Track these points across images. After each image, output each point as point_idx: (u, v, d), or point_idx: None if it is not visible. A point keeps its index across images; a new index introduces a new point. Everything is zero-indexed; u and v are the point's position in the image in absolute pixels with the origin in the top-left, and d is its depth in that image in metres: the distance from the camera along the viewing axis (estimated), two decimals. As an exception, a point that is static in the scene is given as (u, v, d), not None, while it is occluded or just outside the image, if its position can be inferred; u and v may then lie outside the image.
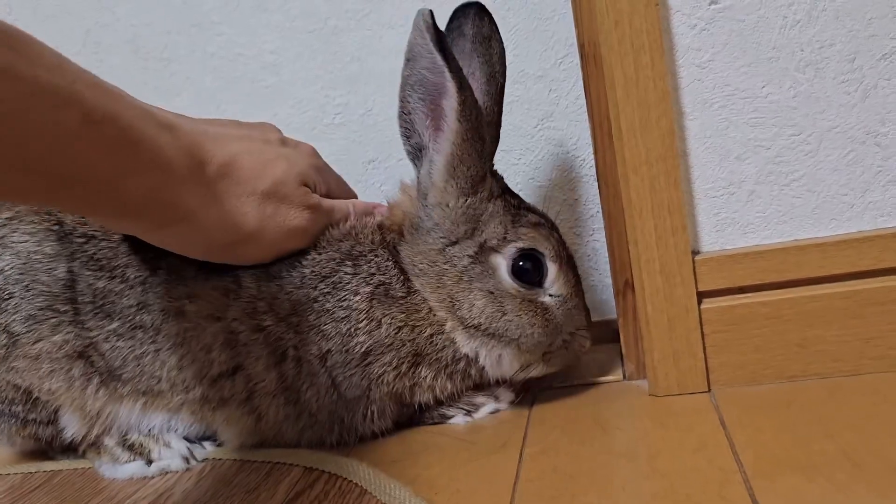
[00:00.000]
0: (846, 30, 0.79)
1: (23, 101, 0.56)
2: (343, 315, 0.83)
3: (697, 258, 0.84)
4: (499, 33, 0.88)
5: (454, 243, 0.85)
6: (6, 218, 0.88)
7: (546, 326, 0.85)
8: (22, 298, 0.85)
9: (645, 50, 0.80)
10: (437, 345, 0.86)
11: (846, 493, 0.61)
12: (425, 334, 0.85)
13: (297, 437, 0.88)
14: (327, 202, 0.88)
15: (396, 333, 0.84)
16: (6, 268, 0.86)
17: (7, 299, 0.86)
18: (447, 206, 0.84)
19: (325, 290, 0.84)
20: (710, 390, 0.85)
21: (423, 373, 0.87)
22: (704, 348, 0.84)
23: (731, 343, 0.84)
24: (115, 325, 0.86)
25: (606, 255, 0.95)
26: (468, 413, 0.91)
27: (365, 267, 0.85)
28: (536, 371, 0.89)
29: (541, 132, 1.08)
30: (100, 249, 0.86)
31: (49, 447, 0.98)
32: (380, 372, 0.85)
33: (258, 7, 1.13)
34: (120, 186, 0.67)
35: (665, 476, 0.68)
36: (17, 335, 0.86)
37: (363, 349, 0.84)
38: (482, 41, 0.88)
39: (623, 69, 0.81)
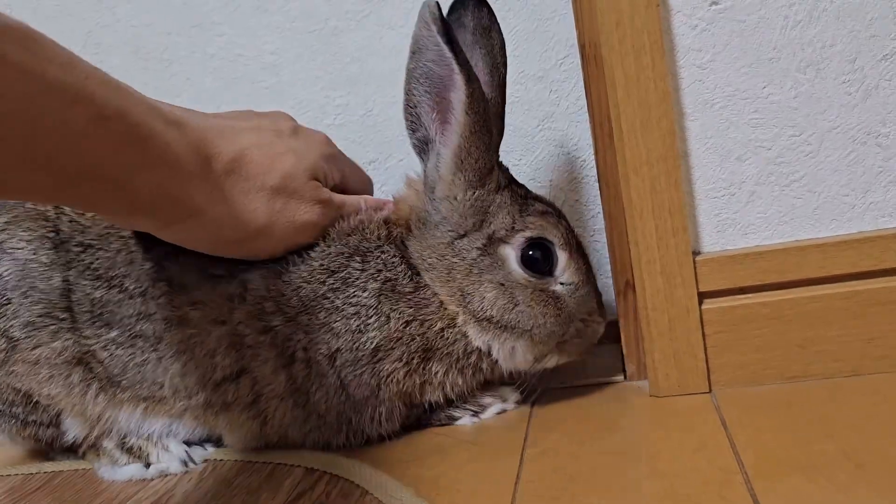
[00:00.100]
0: (847, 30, 0.79)
1: (34, 98, 0.56)
2: (353, 312, 0.83)
3: (698, 259, 0.84)
4: (498, 23, 0.88)
5: (462, 236, 0.84)
6: (4, 222, 0.88)
7: (559, 315, 0.84)
8: (20, 305, 0.85)
9: (646, 50, 0.80)
10: (448, 339, 0.85)
11: (847, 493, 0.61)
12: (435, 328, 0.85)
13: (302, 439, 0.88)
14: (338, 197, 0.87)
15: (405, 328, 0.84)
16: (4, 273, 0.86)
17: (5, 304, 0.86)
18: (455, 199, 0.84)
19: (334, 286, 0.83)
20: (710, 391, 0.85)
21: (434, 368, 0.86)
22: (705, 349, 0.84)
23: (731, 343, 0.84)
24: (113, 333, 0.85)
25: (607, 255, 0.95)
26: (475, 414, 0.91)
27: (372, 263, 0.84)
28: (552, 361, 0.88)
29: (541, 133, 1.08)
30: (97, 259, 0.86)
31: (49, 448, 0.98)
32: (390, 369, 0.84)
33: (258, 8, 1.13)
34: (128, 183, 0.66)
35: (666, 477, 0.68)
36: (16, 340, 0.86)
37: (373, 345, 0.83)
38: (483, 32, 0.87)
39: (624, 70, 0.81)
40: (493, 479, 0.74)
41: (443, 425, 0.91)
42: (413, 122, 0.83)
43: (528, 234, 0.84)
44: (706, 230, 0.86)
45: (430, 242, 0.85)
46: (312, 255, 0.84)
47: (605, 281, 1.09)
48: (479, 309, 0.84)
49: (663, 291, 0.84)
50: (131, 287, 0.85)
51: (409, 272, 0.85)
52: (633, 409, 0.86)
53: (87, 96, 0.60)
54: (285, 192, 0.80)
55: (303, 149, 0.85)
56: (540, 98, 1.07)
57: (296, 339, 0.83)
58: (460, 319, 0.85)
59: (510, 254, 0.84)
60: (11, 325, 0.86)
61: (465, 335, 0.85)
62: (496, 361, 0.87)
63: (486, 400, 0.92)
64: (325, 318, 0.83)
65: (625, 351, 0.94)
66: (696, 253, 0.85)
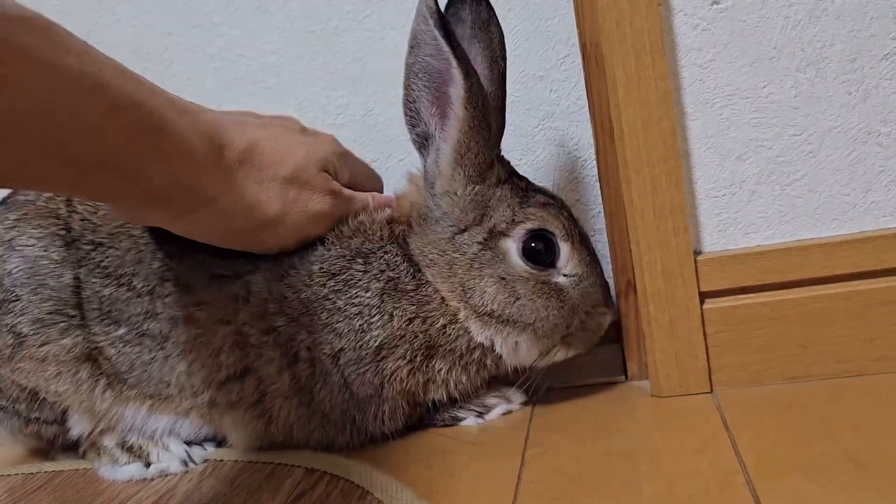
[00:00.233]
0: (847, 29, 0.79)
1: (52, 88, 0.56)
2: (355, 312, 0.83)
3: (699, 258, 0.84)
4: (496, 17, 0.87)
5: (463, 231, 0.84)
6: (14, 220, 0.88)
7: (562, 308, 0.84)
8: (29, 301, 0.86)
9: (646, 50, 0.80)
10: (450, 335, 0.85)
11: (849, 494, 0.61)
12: (437, 325, 0.84)
13: (306, 438, 0.88)
14: (348, 191, 0.88)
15: (408, 325, 0.83)
16: (14, 270, 0.86)
17: (14, 301, 0.86)
18: (455, 194, 0.84)
19: (336, 288, 0.83)
20: (712, 391, 0.85)
21: (437, 365, 0.86)
22: (706, 349, 0.84)
23: (733, 344, 0.84)
24: (121, 331, 0.86)
25: (608, 255, 0.95)
26: (480, 415, 0.91)
27: (375, 264, 0.84)
28: (558, 356, 0.87)
29: (542, 132, 1.08)
30: (107, 257, 0.86)
31: (51, 446, 0.98)
32: (393, 368, 0.84)
33: (259, 8, 1.13)
34: (142, 173, 0.67)
35: (667, 477, 0.68)
36: (24, 337, 0.86)
37: (377, 343, 0.83)
38: (481, 26, 0.87)
39: (624, 69, 0.81)
40: (494, 479, 0.74)
41: (447, 426, 0.91)
42: (413, 117, 0.83)
43: (528, 225, 0.83)
44: (707, 230, 0.86)
45: (430, 238, 0.85)
46: (312, 258, 0.84)
47: (607, 281, 1.09)
48: (480, 304, 0.83)
49: (664, 291, 0.84)
50: (139, 286, 0.85)
51: (412, 270, 0.85)
52: (635, 409, 0.86)
53: (103, 86, 0.60)
54: (297, 183, 0.80)
55: (313, 143, 0.86)
56: (540, 97, 1.07)
57: (299, 339, 0.83)
58: (462, 315, 0.85)
59: (511, 247, 0.83)
60: (19, 322, 0.86)
61: (467, 331, 0.85)
62: (500, 357, 0.87)
63: (491, 401, 0.92)
64: (328, 318, 0.83)
65: (626, 351, 0.94)
66: (697, 253, 0.85)
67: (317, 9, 1.11)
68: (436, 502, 0.71)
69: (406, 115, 0.83)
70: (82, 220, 0.88)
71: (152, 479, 0.90)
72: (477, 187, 0.84)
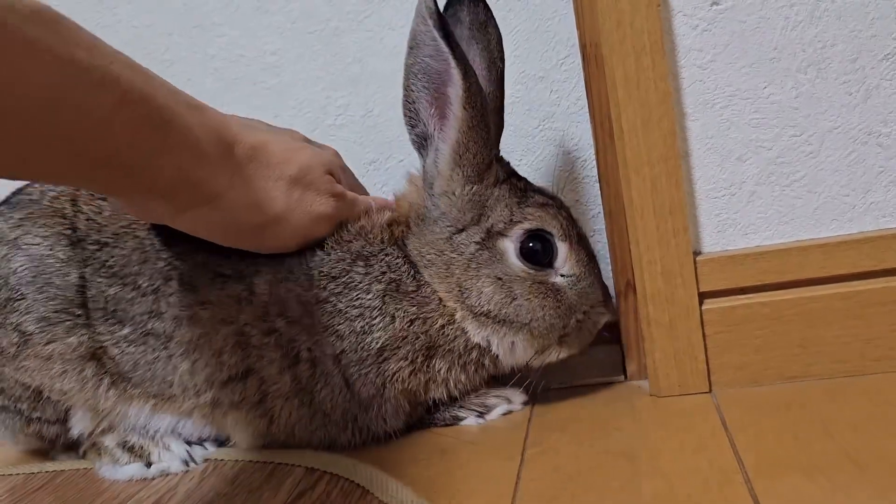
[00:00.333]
0: (848, 30, 0.79)
1: (62, 81, 0.56)
2: (357, 314, 0.83)
3: (699, 259, 0.84)
4: (494, 18, 0.88)
5: (461, 231, 0.84)
6: (19, 219, 0.89)
7: (558, 308, 0.84)
8: (34, 300, 0.86)
9: (646, 51, 0.80)
10: (448, 335, 0.85)
11: (847, 493, 0.61)
12: (436, 325, 0.85)
13: (308, 437, 0.88)
14: (351, 194, 0.88)
15: (409, 326, 0.84)
16: (19, 269, 0.86)
17: (19, 300, 0.86)
18: (453, 194, 0.84)
19: (336, 291, 0.84)
20: (711, 391, 0.85)
21: (437, 365, 0.86)
22: (706, 349, 0.85)
23: (732, 344, 0.84)
24: (126, 330, 0.86)
25: (608, 255, 0.95)
26: (480, 415, 0.91)
27: (376, 266, 0.85)
28: (553, 356, 0.88)
29: (542, 133, 1.08)
30: (112, 257, 0.86)
31: (51, 446, 0.98)
32: (395, 368, 0.84)
33: (259, 8, 1.13)
34: (152, 166, 0.67)
35: (666, 476, 0.69)
36: (29, 335, 0.86)
37: (378, 345, 0.83)
38: (479, 27, 0.87)
39: (624, 70, 0.81)
40: (493, 478, 0.74)
41: (448, 425, 0.91)
42: (412, 117, 0.83)
43: (526, 225, 0.84)
44: (707, 230, 0.86)
45: (428, 238, 0.85)
46: (312, 262, 0.85)
47: (606, 281, 1.09)
48: (476, 304, 0.84)
49: (664, 291, 0.84)
50: (144, 285, 0.85)
51: (412, 271, 0.85)
52: (634, 409, 0.86)
53: (113, 79, 0.60)
54: (302, 183, 0.81)
55: (318, 150, 0.87)
56: (541, 98, 1.07)
57: (300, 341, 0.84)
58: (458, 315, 0.85)
59: (509, 247, 0.84)
60: (25, 320, 0.86)
61: (464, 331, 0.85)
62: (497, 357, 0.87)
63: (492, 401, 0.92)
64: (329, 321, 0.83)
65: (625, 351, 0.94)
66: (696, 253, 0.85)
67: (317, 9, 1.12)
68: (436, 501, 0.71)
69: (405, 115, 0.83)
70: (87, 219, 0.88)
71: (153, 479, 0.90)
72: (475, 187, 0.84)
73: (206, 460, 0.92)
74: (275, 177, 0.79)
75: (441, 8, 0.84)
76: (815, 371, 0.83)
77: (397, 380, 0.85)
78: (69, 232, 0.88)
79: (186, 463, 0.91)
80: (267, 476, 0.84)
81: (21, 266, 0.86)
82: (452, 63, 0.77)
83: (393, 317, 0.83)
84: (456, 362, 0.86)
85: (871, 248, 0.80)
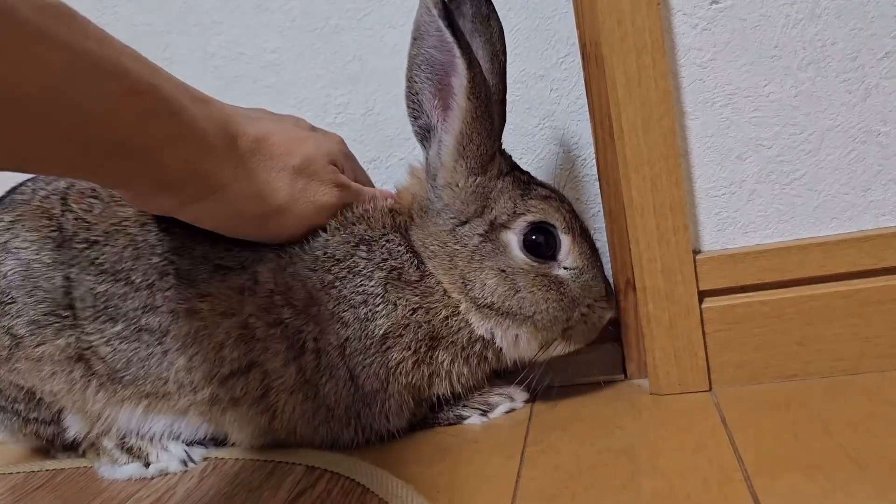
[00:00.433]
0: (848, 28, 0.79)
1: (74, 72, 0.57)
2: (360, 300, 0.83)
3: (699, 257, 0.84)
4: (496, 11, 0.87)
5: (464, 223, 0.84)
6: (9, 221, 0.89)
7: (561, 300, 0.84)
8: (24, 304, 0.86)
9: (646, 49, 0.80)
10: (452, 327, 0.85)
11: (847, 491, 0.61)
12: (440, 316, 0.85)
13: (311, 434, 0.88)
14: (355, 185, 0.89)
15: (412, 315, 0.84)
16: (9, 273, 0.86)
17: (10, 303, 0.86)
18: (457, 186, 0.84)
19: (341, 275, 0.84)
20: (711, 389, 0.85)
21: (440, 357, 0.86)
22: (705, 347, 0.85)
23: (732, 342, 0.84)
24: (118, 328, 0.86)
25: (608, 254, 0.95)
26: (484, 413, 0.91)
27: (378, 252, 0.85)
28: (558, 349, 0.87)
29: (542, 132, 1.08)
30: (102, 255, 0.86)
31: (50, 445, 0.98)
32: (399, 359, 0.84)
33: (259, 6, 1.13)
34: (157, 158, 0.68)
35: (666, 475, 0.69)
36: (20, 338, 0.86)
37: (381, 331, 0.83)
38: (482, 20, 0.87)
39: (625, 69, 0.81)
40: (493, 476, 0.75)
41: (451, 424, 0.91)
42: (415, 109, 0.83)
43: (529, 218, 0.84)
44: (706, 229, 0.86)
45: (432, 230, 0.85)
46: (315, 245, 0.85)
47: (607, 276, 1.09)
48: (480, 296, 0.84)
49: (664, 290, 0.84)
50: (138, 280, 0.85)
51: (415, 260, 0.85)
52: (634, 407, 0.86)
53: (122, 71, 0.61)
54: (306, 173, 0.82)
55: (322, 139, 0.87)
56: (540, 97, 1.07)
57: (306, 331, 0.84)
58: (463, 307, 0.85)
59: (512, 239, 0.84)
60: (15, 324, 0.86)
61: (468, 323, 0.85)
62: (500, 350, 0.87)
63: (494, 399, 0.92)
64: (334, 307, 0.83)
65: (625, 349, 0.94)
66: (696, 251, 0.85)
67: (317, 7, 1.11)
68: (436, 500, 0.72)
69: (409, 107, 0.83)
70: (76, 218, 0.88)
71: (152, 479, 0.90)
72: (478, 179, 0.84)
73: (205, 459, 0.92)
74: (278, 168, 0.79)
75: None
76: (814, 369, 0.83)
77: (401, 372, 0.84)
78: (55, 234, 0.87)
79: (185, 463, 0.91)
80: (267, 475, 0.84)
81: (10, 270, 0.86)
82: (457, 53, 0.77)
83: (395, 304, 0.83)
84: (459, 354, 0.86)
85: (871, 247, 0.80)
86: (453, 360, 0.86)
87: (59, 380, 0.88)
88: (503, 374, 0.93)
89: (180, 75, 1.17)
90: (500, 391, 0.93)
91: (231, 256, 0.85)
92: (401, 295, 0.84)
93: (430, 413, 0.91)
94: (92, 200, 0.89)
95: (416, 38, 0.80)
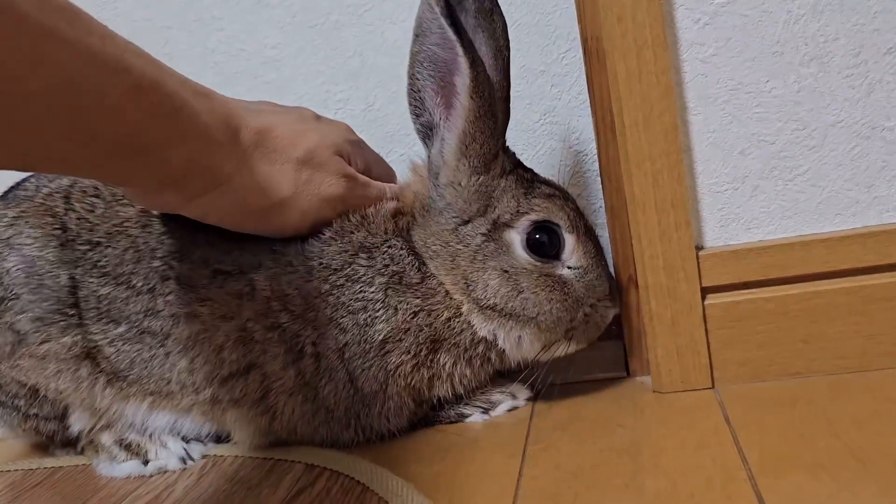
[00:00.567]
0: (851, 24, 0.79)
1: (78, 69, 0.56)
2: (360, 307, 0.83)
3: (701, 254, 0.83)
4: (499, 6, 0.86)
5: (467, 222, 0.84)
6: (12, 217, 0.88)
7: (565, 301, 0.83)
8: (29, 300, 0.86)
9: (648, 45, 0.79)
10: (454, 329, 0.84)
11: (852, 490, 0.61)
12: (442, 318, 0.84)
13: (311, 434, 0.87)
14: (363, 177, 0.88)
15: (413, 318, 0.83)
16: (12, 269, 0.86)
17: (13, 299, 0.86)
18: (459, 184, 0.83)
19: (338, 283, 0.83)
20: (714, 387, 0.85)
21: (442, 359, 0.85)
22: (708, 344, 0.84)
23: (735, 339, 0.84)
24: (121, 329, 0.86)
25: (610, 250, 0.94)
26: (485, 411, 0.90)
27: (379, 258, 0.84)
28: (561, 350, 0.87)
29: (543, 127, 1.08)
30: (104, 257, 0.86)
31: (50, 441, 0.98)
32: (397, 362, 0.83)
33: (259, 2, 1.13)
34: (163, 154, 0.67)
35: (669, 473, 0.68)
36: (24, 334, 0.86)
37: (381, 337, 0.83)
38: (485, 15, 0.86)
39: (626, 64, 0.80)
40: (495, 475, 0.74)
41: (452, 423, 0.90)
42: (417, 106, 0.83)
43: (533, 217, 0.83)
44: (709, 225, 0.85)
45: (434, 229, 0.85)
46: (310, 254, 0.84)
47: (612, 274, 1.08)
48: (482, 297, 0.83)
49: (666, 287, 0.84)
50: (139, 284, 0.85)
51: (417, 262, 0.85)
52: (636, 405, 0.86)
53: (126, 67, 0.61)
54: (311, 165, 0.81)
55: (326, 130, 0.86)
56: (542, 92, 1.07)
57: (304, 335, 0.83)
58: (465, 308, 0.84)
59: (515, 238, 0.83)
60: (19, 320, 0.86)
61: (470, 325, 0.84)
62: (504, 352, 0.86)
63: (496, 397, 0.91)
64: (332, 314, 0.83)
65: (627, 347, 0.94)
66: (699, 248, 0.85)
67: (317, 3, 1.11)
68: (437, 499, 0.71)
69: (410, 104, 0.83)
70: (79, 218, 0.88)
71: (151, 476, 0.89)
72: (481, 178, 0.83)
73: (204, 457, 0.92)
74: (281, 160, 0.79)
75: None
76: (818, 367, 0.83)
77: (400, 375, 0.84)
78: (59, 232, 0.87)
79: (184, 460, 0.91)
80: (266, 473, 0.84)
81: (14, 266, 0.86)
82: (460, 51, 0.76)
83: (396, 309, 0.83)
84: (461, 356, 0.86)
85: (875, 243, 0.80)
86: (455, 363, 0.86)
87: (64, 378, 0.87)
88: (507, 374, 0.93)
89: (180, 71, 1.17)
90: (502, 389, 0.92)
91: (229, 261, 0.84)
92: (402, 298, 0.83)
93: (430, 412, 0.90)
94: (94, 200, 0.89)
95: (418, 35, 0.79)
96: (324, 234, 0.85)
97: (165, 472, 0.90)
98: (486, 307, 0.83)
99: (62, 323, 0.86)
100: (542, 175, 0.90)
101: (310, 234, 0.85)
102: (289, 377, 0.84)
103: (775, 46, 0.80)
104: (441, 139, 0.83)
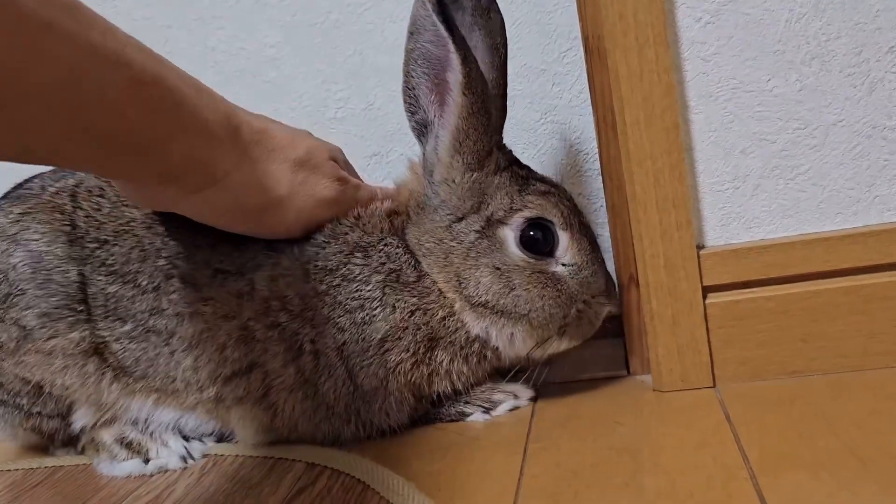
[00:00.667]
0: (852, 22, 0.78)
1: (80, 63, 0.57)
2: (356, 305, 0.83)
3: (702, 253, 0.83)
4: (496, 4, 0.87)
5: (461, 219, 0.84)
6: (19, 213, 0.89)
7: (558, 298, 0.83)
8: (35, 296, 0.86)
9: (649, 43, 0.79)
10: (449, 327, 0.84)
11: (852, 489, 0.61)
12: (438, 317, 0.84)
13: (312, 431, 0.87)
14: (355, 180, 0.89)
15: (410, 317, 0.83)
16: (19, 265, 0.86)
17: (19, 295, 0.86)
18: (453, 181, 0.84)
19: (334, 284, 0.83)
20: (714, 385, 0.85)
21: (439, 356, 0.85)
22: (709, 343, 0.84)
23: (735, 338, 0.84)
24: (127, 327, 0.86)
25: (611, 249, 0.94)
26: (487, 410, 0.90)
27: (375, 257, 0.84)
28: (554, 347, 0.87)
29: (544, 126, 1.08)
30: (111, 255, 0.86)
31: (50, 441, 0.98)
32: (397, 360, 0.83)
33: (259, 1, 1.13)
34: (163, 148, 0.68)
35: (669, 472, 0.68)
36: (30, 330, 0.86)
37: (380, 335, 0.83)
38: (481, 13, 0.86)
39: (627, 63, 0.80)
40: (495, 474, 0.74)
41: (454, 421, 0.90)
42: (412, 104, 0.83)
43: (526, 213, 0.83)
44: (710, 224, 0.85)
45: (428, 227, 0.85)
46: (305, 257, 0.84)
47: (608, 270, 1.08)
48: (473, 294, 0.83)
49: (667, 285, 0.84)
50: (144, 283, 0.85)
51: (413, 261, 0.85)
52: (637, 403, 0.86)
53: (127, 62, 0.61)
54: (307, 167, 0.82)
55: (320, 140, 0.88)
56: (543, 91, 1.07)
57: (303, 333, 0.83)
58: (457, 306, 0.84)
59: (509, 235, 0.83)
60: (25, 315, 0.86)
61: (464, 323, 0.85)
62: (498, 349, 0.86)
63: (498, 396, 0.91)
64: (329, 313, 0.83)
65: (628, 345, 0.94)
66: (700, 247, 0.85)
67: (317, 2, 1.11)
68: (438, 497, 0.71)
69: (405, 102, 0.83)
70: (87, 216, 0.88)
71: (151, 475, 0.89)
72: (475, 175, 0.83)
73: (205, 456, 0.92)
74: (279, 159, 0.79)
75: None
76: (818, 366, 0.83)
77: (400, 372, 0.84)
78: (68, 228, 0.87)
79: (184, 459, 0.91)
80: (267, 471, 0.84)
81: (21, 262, 0.86)
82: (452, 48, 0.77)
83: (394, 307, 0.83)
84: (458, 354, 0.86)
85: (876, 242, 0.80)
86: (452, 360, 0.86)
87: (71, 373, 0.88)
88: (507, 372, 0.93)
89: (180, 70, 1.17)
90: (504, 388, 0.92)
91: (230, 261, 0.85)
92: (399, 297, 0.83)
93: (431, 408, 0.90)
94: (100, 199, 0.89)
95: (413, 33, 0.79)
96: (318, 238, 0.85)
97: (166, 471, 0.90)
98: (478, 304, 0.83)
99: (70, 318, 0.86)
100: (539, 173, 0.90)
101: (303, 238, 0.85)
102: (289, 375, 0.84)
103: (777, 45, 0.80)
104: (435, 136, 0.83)
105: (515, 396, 0.91)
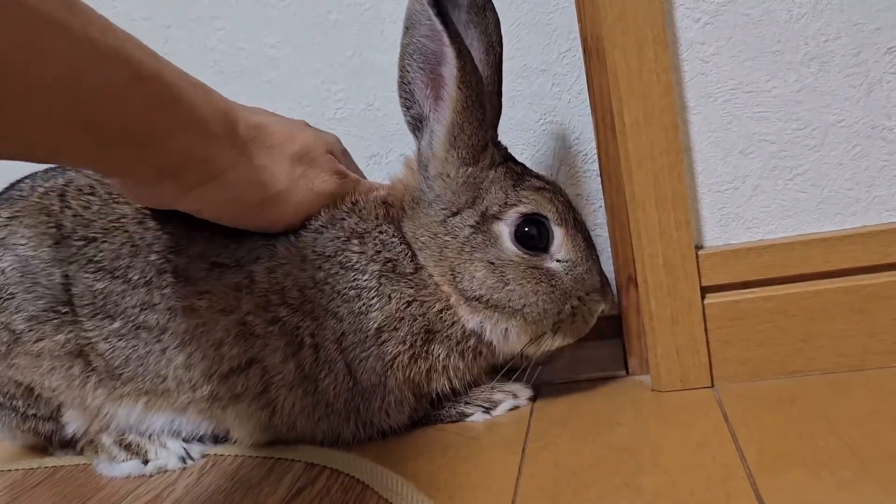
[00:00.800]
0: (851, 23, 0.79)
1: (78, 58, 0.57)
2: (354, 295, 0.83)
3: (701, 253, 0.83)
4: (492, 2, 0.87)
5: (455, 214, 0.84)
6: (6, 218, 0.88)
7: (552, 293, 0.83)
8: (24, 300, 0.86)
9: (648, 44, 0.79)
10: (446, 321, 0.84)
11: (851, 489, 0.61)
12: (434, 310, 0.84)
13: (312, 429, 0.87)
14: (353, 174, 0.89)
15: (406, 308, 0.83)
16: (7, 269, 0.86)
17: (9, 299, 0.86)
18: (448, 176, 0.84)
19: (333, 271, 0.83)
20: (713, 386, 0.85)
21: (436, 350, 0.85)
22: (708, 343, 0.84)
23: (734, 338, 0.84)
24: (116, 325, 0.85)
25: (609, 249, 0.95)
26: (487, 410, 0.90)
27: (371, 244, 0.84)
28: (548, 343, 0.86)
29: (543, 127, 1.08)
30: (100, 252, 0.86)
31: (48, 442, 0.98)
32: (394, 352, 0.83)
33: (258, 1, 1.13)
34: (162, 144, 0.68)
35: (668, 472, 0.68)
36: (19, 333, 0.86)
37: (376, 325, 0.82)
38: (477, 11, 0.86)
39: (626, 63, 0.80)
40: (494, 473, 0.74)
41: (454, 422, 0.90)
42: (407, 99, 0.83)
43: (521, 209, 0.83)
44: (709, 224, 0.85)
45: (423, 221, 0.85)
46: (303, 244, 0.84)
47: (608, 275, 1.08)
48: (468, 288, 0.83)
49: (666, 286, 0.84)
50: (135, 278, 0.85)
51: (410, 253, 0.85)
52: (635, 403, 0.86)
53: (126, 57, 0.61)
54: (305, 161, 0.82)
55: (318, 133, 0.88)
56: (542, 91, 1.07)
57: (303, 327, 0.83)
58: (453, 300, 0.84)
59: (503, 230, 0.83)
60: (14, 319, 0.86)
61: (459, 317, 0.85)
62: (492, 344, 0.86)
63: (498, 396, 0.91)
64: (328, 303, 0.83)
65: (627, 346, 0.94)
66: (699, 247, 0.85)
67: (316, 2, 1.11)
68: (436, 497, 0.71)
69: (401, 97, 0.83)
70: (75, 215, 0.88)
71: (151, 476, 0.89)
72: (470, 169, 0.83)
73: (204, 456, 0.92)
74: (277, 154, 0.79)
75: None
76: (818, 366, 0.83)
77: (398, 367, 0.84)
78: (53, 230, 0.87)
79: (184, 460, 0.90)
80: (266, 471, 0.84)
81: (9, 266, 0.86)
82: (447, 42, 0.77)
83: (389, 297, 0.83)
84: (454, 349, 0.86)
85: (875, 243, 0.80)
86: (449, 355, 0.86)
87: (57, 375, 0.87)
88: (500, 370, 0.93)
89: (179, 70, 1.17)
90: (504, 388, 0.92)
91: (227, 254, 0.84)
92: (395, 287, 0.83)
93: (431, 410, 0.90)
94: (90, 198, 0.89)
95: (408, 28, 0.80)
96: (315, 223, 0.85)
97: (165, 471, 0.90)
98: (472, 298, 0.83)
99: (56, 321, 0.86)
100: (535, 171, 0.90)
101: (301, 227, 0.85)
102: (289, 370, 0.84)
103: (776, 45, 0.80)
104: (430, 131, 0.83)
105: (515, 396, 0.91)
